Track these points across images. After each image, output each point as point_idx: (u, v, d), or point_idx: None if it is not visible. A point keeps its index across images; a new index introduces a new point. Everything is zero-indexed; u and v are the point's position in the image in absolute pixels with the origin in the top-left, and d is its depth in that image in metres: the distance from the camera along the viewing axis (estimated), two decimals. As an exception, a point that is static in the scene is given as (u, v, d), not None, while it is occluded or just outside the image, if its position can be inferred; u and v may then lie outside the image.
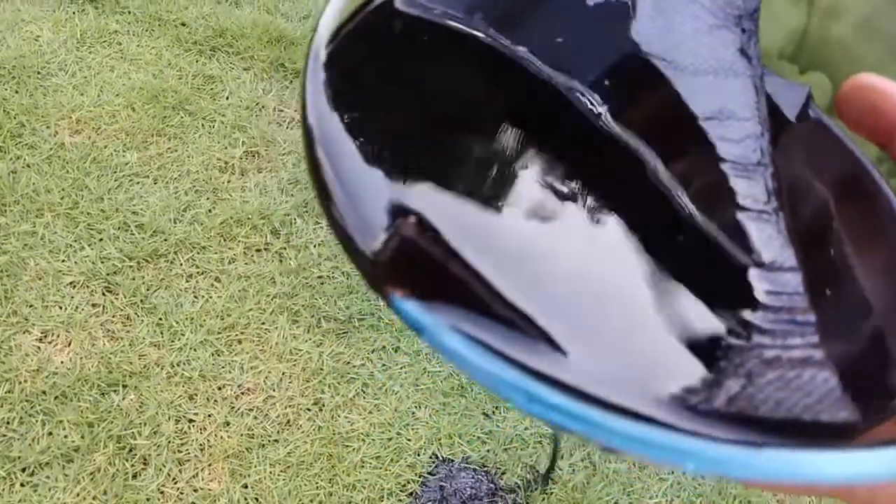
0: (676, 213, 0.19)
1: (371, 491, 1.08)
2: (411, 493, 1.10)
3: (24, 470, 0.97)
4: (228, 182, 1.36)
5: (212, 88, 1.50)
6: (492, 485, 1.14)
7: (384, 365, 1.22)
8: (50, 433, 1.00)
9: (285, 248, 1.30)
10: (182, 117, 1.42)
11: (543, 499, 1.15)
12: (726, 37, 0.22)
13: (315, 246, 1.32)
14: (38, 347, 1.08)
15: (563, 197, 0.19)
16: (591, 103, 0.20)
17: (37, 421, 1.01)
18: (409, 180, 0.17)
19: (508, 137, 0.20)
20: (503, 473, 1.16)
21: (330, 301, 1.25)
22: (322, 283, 1.27)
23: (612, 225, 0.19)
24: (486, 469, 1.16)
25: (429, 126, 0.20)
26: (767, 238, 0.18)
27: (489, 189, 0.19)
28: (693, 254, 0.19)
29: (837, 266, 0.21)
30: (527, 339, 0.15)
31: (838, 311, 0.19)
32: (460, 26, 0.20)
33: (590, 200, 0.19)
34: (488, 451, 1.18)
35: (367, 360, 1.22)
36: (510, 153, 0.20)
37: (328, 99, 0.18)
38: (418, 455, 1.14)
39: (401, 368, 1.22)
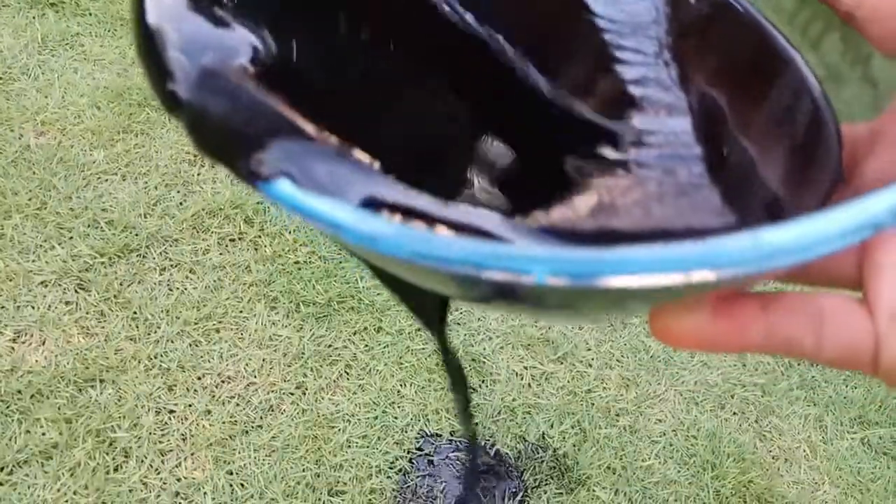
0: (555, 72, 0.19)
1: (359, 470, 1.06)
2: (400, 470, 1.09)
3: (2, 469, 0.95)
4: (198, 174, 1.34)
5: (178, 84, 1.48)
6: (482, 456, 1.13)
7: (367, 346, 1.21)
8: (27, 431, 0.99)
9: (260, 237, 1.29)
10: (148, 113, 1.41)
11: (535, 467, 1.13)
12: None
13: (290, 232, 1.30)
14: (12, 348, 1.06)
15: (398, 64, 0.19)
16: None
17: (13, 420, 0.99)
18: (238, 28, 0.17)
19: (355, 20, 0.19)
20: (493, 445, 1.15)
21: (308, 286, 1.24)
22: (299, 269, 1.26)
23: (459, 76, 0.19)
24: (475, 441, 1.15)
25: None
26: (657, 84, 0.19)
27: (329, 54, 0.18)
28: (574, 99, 0.19)
29: (733, 121, 0.21)
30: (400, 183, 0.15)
31: (727, 156, 0.20)
32: None
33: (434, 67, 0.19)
34: (476, 423, 1.17)
35: (349, 342, 1.20)
36: (353, 32, 0.19)
37: None
38: (405, 432, 1.13)
39: (384, 348, 1.21)
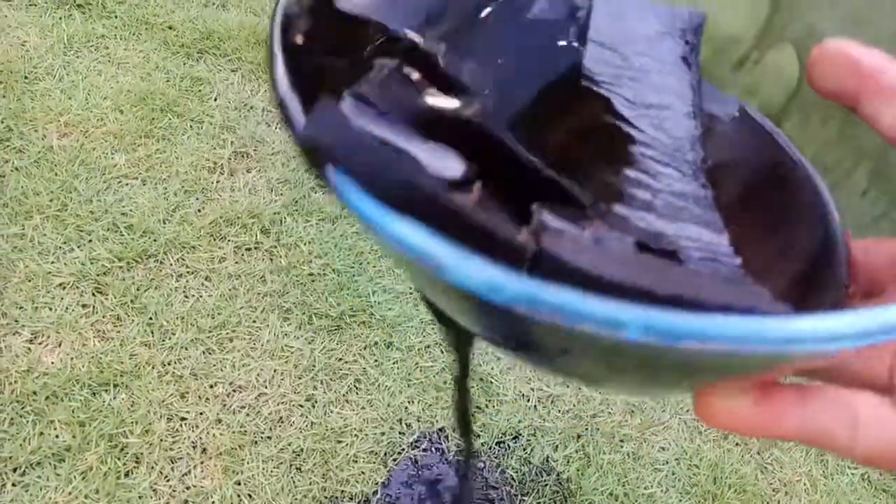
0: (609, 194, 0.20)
1: (365, 486, 1.08)
2: (407, 484, 1.10)
3: (15, 470, 0.96)
4: (217, 182, 1.36)
5: (200, 90, 1.50)
6: (485, 477, 1.14)
7: (376, 360, 1.22)
8: (41, 433, 1.00)
9: (275, 247, 1.30)
10: (170, 119, 1.42)
11: (538, 491, 1.14)
12: (671, 44, 0.24)
13: (305, 244, 1.32)
14: (29, 349, 1.07)
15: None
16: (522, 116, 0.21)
17: (27, 421, 1.00)
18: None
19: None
20: (497, 466, 1.16)
21: (321, 298, 1.25)
22: (313, 281, 1.27)
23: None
24: (480, 462, 1.16)
25: None
26: (695, 202, 0.20)
27: None
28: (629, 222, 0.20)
29: (757, 230, 0.23)
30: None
31: (757, 264, 0.21)
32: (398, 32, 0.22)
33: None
34: (482, 444, 1.18)
35: (360, 356, 1.22)
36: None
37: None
38: (412, 449, 1.14)
39: (393, 364, 1.22)
